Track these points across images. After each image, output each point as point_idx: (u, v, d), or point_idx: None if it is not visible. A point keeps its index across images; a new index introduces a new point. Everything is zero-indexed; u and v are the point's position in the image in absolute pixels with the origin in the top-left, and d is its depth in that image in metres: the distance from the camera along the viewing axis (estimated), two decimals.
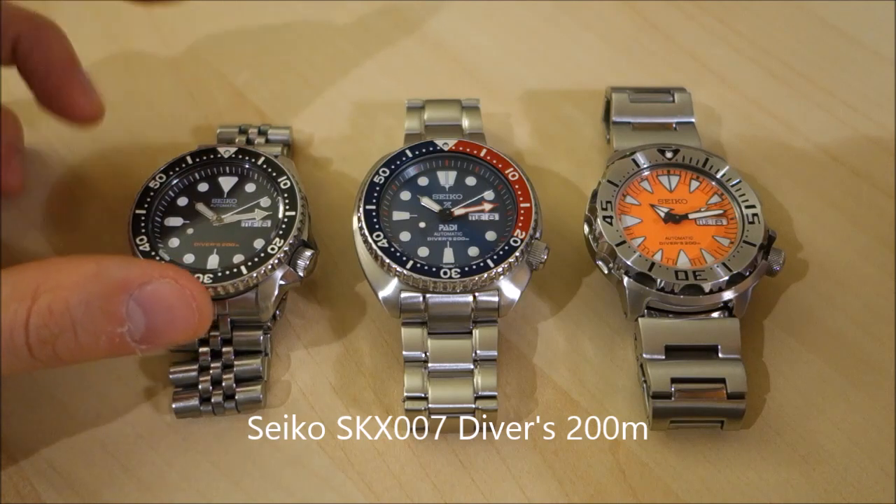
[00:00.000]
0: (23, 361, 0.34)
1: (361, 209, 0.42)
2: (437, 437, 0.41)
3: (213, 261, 0.42)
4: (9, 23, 0.43)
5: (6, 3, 0.43)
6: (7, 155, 0.46)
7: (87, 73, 0.46)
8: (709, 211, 0.44)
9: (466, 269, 0.40)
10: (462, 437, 0.41)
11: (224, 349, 0.42)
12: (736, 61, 0.54)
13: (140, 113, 0.51)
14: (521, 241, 0.41)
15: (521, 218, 0.42)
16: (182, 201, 0.44)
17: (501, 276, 0.41)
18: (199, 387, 0.41)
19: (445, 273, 0.40)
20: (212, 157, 0.44)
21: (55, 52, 0.45)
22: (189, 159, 0.44)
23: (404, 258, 0.41)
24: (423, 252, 0.42)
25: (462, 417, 0.40)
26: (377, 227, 0.42)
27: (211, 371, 0.41)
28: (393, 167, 0.44)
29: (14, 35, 0.44)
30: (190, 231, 0.43)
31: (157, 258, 0.41)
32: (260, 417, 0.42)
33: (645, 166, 0.45)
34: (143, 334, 0.34)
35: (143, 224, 0.42)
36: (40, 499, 0.40)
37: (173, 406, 0.41)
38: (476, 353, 0.41)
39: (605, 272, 0.43)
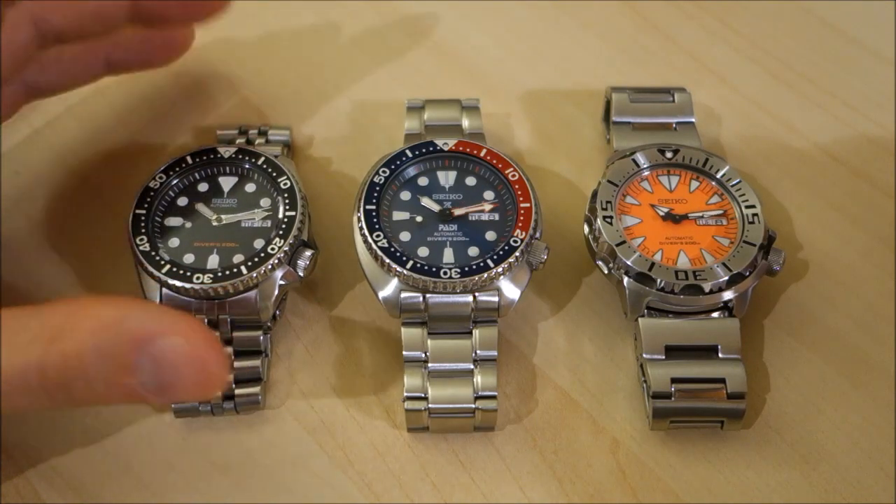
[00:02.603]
0: (41, 400, 0.34)
1: (361, 209, 0.42)
2: (436, 437, 0.41)
3: (213, 261, 0.42)
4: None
5: None
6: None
7: None
8: (709, 211, 0.44)
9: (466, 269, 0.40)
10: (462, 437, 0.41)
11: (224, 349, 0.42)
12: (736, 61, 0.54)
13: (140, 113, 0.51)
14: (521, 241, 0.41)
15: (521, 218, 0.42)
16: (182, 201, 0.44)
17: (501, 276, 0.41)
18: None
19: (445, 273, 0.40)
20: (212, 157, 0.44)
21: None
22: (189, 159, 0.44)
23: (404, 258, 0.41)
24: (423, 252, 0.42)
25: (462, 417, 0.40)
26: (377, 227, 0.42)
27: None
28: (393, 167, 0.44)
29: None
30: (190, 231, 0.43)
31: (158, 258, 0.41)
32: (260, 417, 0.42)
33: (645, 166, 0.45)
34: (155, 388, 0.34)
35: (143, 224, 0.42)
36: (40, 499, 0.40)
37: (172, 405, 0.41)
38: (476, 353, 0.41)
39: (605, 272, 0.43)
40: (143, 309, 0.35)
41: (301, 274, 0.42)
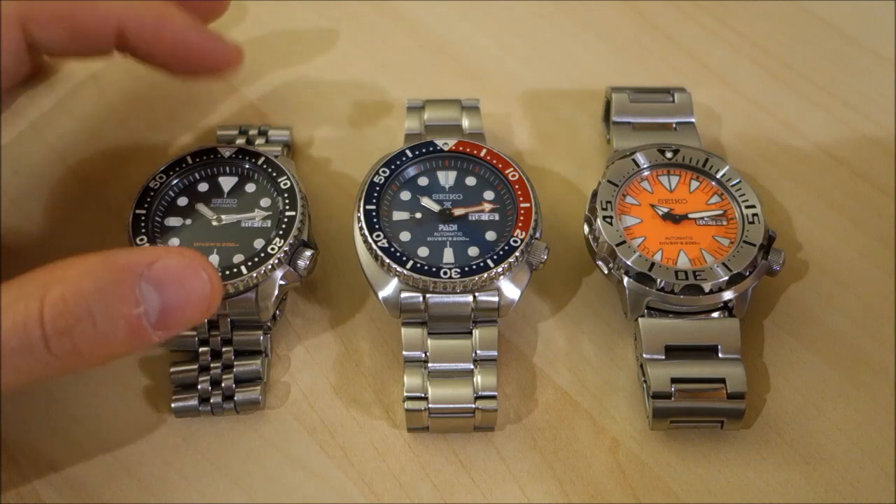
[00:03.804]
0: (40, 361, 0.33)
1: (361, 209, 0.42)
2: (436, 437, 0.41)
3: (213, 261, 0.42)
4: (107, 14, 0.41)
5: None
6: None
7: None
8: (709, 211, 0.44)
9: (466, 269, 0.40)
10: (462, 437, 0.41)
11: (224, 349, 0.42)
12: (736, 61, 0.54)
13: (140, 113, 0.51)
14: (521, 241, 0.41)
15: (521, 218, 0.42)
16: (182, 201, 0.44)
17: (501, 276, 0.41)
18: (199, 387, 0.41)
19: (445, 273, 0.40)
20: (212, 157, 0.45)
21: (178, 23, 0.42)
22: (189, 159, 0.44)
23: (404, 258, 0.41)
24: (423, 252, 0.42)
25: (462, 417, 0.40)
26: (377, 227, 0.42)
27: (211, 371, 0.41)
28: (393, 167, 0.44)
29: (114, 27, 0.41)
30: (190, 231, 0.43)
31: None
32: (260, 417, 0.42)
33: (645, 166, 0.45)
34: (158, 315, 0.34)
35: (143, 224, 0.42)
36: (40, 499, 0.40)
37: (172, 405, 0.41)
38: (476, 353, 0.41)
39: (605, 272, 0.43)
40: (125, 248, 0.35)
41: (301, 274, 0.42)
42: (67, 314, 0.32)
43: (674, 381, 0.40)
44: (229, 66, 0.44)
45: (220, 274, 0.37)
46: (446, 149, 0.44)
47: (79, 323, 0.33)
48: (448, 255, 0.42)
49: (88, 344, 0.33)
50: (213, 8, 0.46)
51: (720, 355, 0.41)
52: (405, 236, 0.42)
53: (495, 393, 0.40)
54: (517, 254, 0.41)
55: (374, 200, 0.43)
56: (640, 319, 0.41)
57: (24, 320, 0.32)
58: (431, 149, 0.45)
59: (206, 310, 0.36)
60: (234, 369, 0.41)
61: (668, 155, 0.45)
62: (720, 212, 0.44)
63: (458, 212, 0.43)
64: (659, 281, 0.41)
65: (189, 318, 0.35)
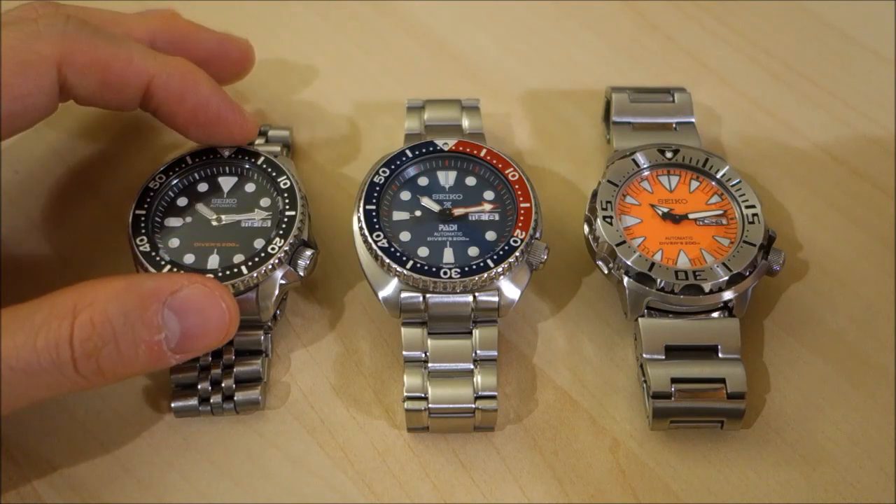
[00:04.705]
0: (68, 379, 0.35)
1: (361, 209, 0.42)
2: (436, 437, 0.41)
3: (213, 261, 0.42)
4: (140, 69, 0.42)
5: (138, 49, 0.42)
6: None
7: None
8: (709, 211, 0.44)
9: (466, 269, 0.40)
10: (462, 437, 0.41)
11: (224, 349, 0.42)
12: (736, 61, 0.54)
13: (140, 113, 0.51)
14: (521, 241, 0.41)
15: (521, 218, 0.42)
16: (182, 201, 0.44)
17: (501, 276, 0.41)
18: (199, 387, 0.41)
19: (445, 273, 0.40)
20: (211, 157, 0.44)
21: (203, 89, 0.43)
22: (189, 159, 0.44)
23: (404, 258, 0.41)
24: (423, 252, 0.42)
25: (462, 417, 0.40)
26: (377, 227, 0.42)
27: (211, 371, 0.41)
28: (393, 167, 0.44)
29: (145, 84, 0.42)
30: (190, 231, 0.43)
31: (158, 258, 0.41)
32: (260, 417, 0.42)
33: (645, 166, 0.45)
34: (178, 341, 0.36)
35: (143, 224, 0.42)
36: (40, 499, 0.40)
37: (172, 405, 0.41)
38: (476, 353, 0.41)
39: (605, 272, 0.43)
40: (146, 274, 0.38)
41: (301, 274, 0.42)
42: (95, 338, 0.35)
43: (674, 381, 0.40)
44: (244, 139, 0.45)
45: (232, 296, 0.39)
46: (446, 149, 0.44)
47: (105, 346, 0.35)
48: (448, 255, 0.42)
49: (111, 365, 0.35)
50: (237, 70, 0.48)
51: (720, 355, 0.41)
52: (405, 236, 0.42)
53: (495, 393, 0.40)
54: (517, 254, 0.41)
55: (374, 200, 0.43)
56: (640, 319, 0.41)
57: (56, 341, 0.34)
58: (431, 149, 0.45)
59: (224, 337, 0.38)
60: (235, 369, 0.41)
61: (668, 155, 0.45)
62: (720, 212, 0.44)
63: (458, 212, 0.43)
64: (659, 281, 0.41)
65: (206, 345, 0.38)
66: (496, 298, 0.41)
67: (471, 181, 0.44)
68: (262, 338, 0.42)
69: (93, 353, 0.34)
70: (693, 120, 0.47)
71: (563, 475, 0.41)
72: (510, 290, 0.41)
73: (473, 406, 0.40)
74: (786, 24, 0.55)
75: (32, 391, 0.35)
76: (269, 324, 0.42)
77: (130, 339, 0.35)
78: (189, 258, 0.42)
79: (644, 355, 0.41)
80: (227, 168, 0.45)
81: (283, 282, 0.41)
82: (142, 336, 0.35)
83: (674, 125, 0.47)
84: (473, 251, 0.42)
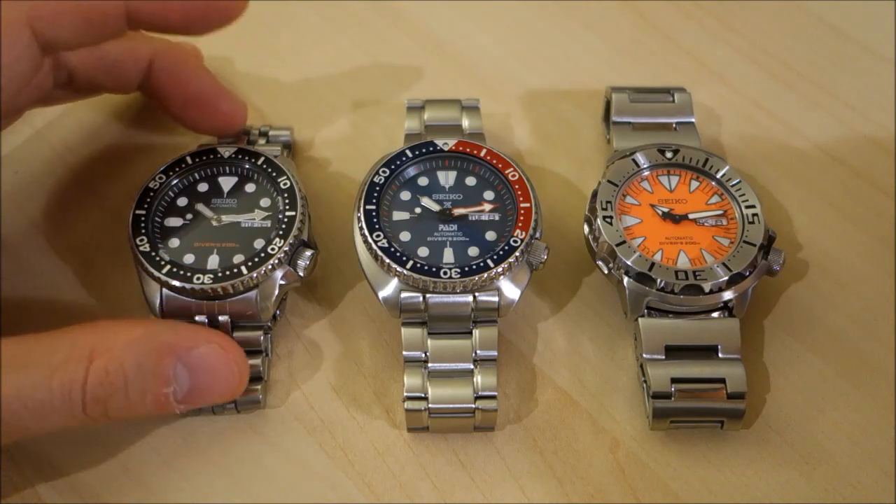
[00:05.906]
0: (76, 418, 0.36)
1: (361, 209, 0.42)
2: (436, 437, 0.41)
3: (213, 261, 0.42)
4: (140, 51, 0.43)
5: (139, 35, 0.43)
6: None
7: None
8: (709, 211, 0.44)
9: (466, 269, 0.40)
10: (462, 437, 0.41)
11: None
12: (736, 61, 0.54)
13: (140, 113, 0.51)
14: (521, 241, 0.41)
15: (521, 218, 0.42)
16: (182, 201, 0.44)
17: (501, 276, 0.41)
18: None
19: (445, 273, 0.40)
20: (212, 157, 0.44)
21: (203, 77, 0.44)
22: (189, 159, 0.44)
23: (404, 258, 0.41)
24: (423, 252, 0.42)
25: (462, 417, 0.40)
26: (377, 227, 0.42)
27: None
28: (393, 167, 0.44)
29: (146, 64, 0.43)
30: (190, 231, 0.43)
31: (158, 258, 0.41)
32: (260, 417, 0.42)
33: (645, 166, 0.45)
34: (185, 394, 0.37)
35: (143, 224, 0.42)
36: (41, 499, 0.40)
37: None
38: (476, 353, 0.41)
39: (605, 272, 0.43)
40: (167, 324, 0.38)
41: (301, 274, 0.42)
42: (107, 385, 0.35)
43: (674, 381, 0.40)
44: (235, 124, 0.46)
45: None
46: (446, 149, 0.44)
47: (115, 394, 0.35)
48: (448, 255, 0.42)
49: (117, 410, 0.36)
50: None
51: (720, 355, 0.41)
52: (405, 236, 0.42)
53: (495, 393, 0.40)
54: (517, 254, 0.41)
55: (374, 200, 0.43)
56: (640, 319, 0.41)
57: (70, 384, 0.35)
58: (431, 149, 0.45)
59: (230, 397, 0.39)
60: None
61: (668, 155, 0.45)
62: (720, 212, 0.44)
63: (458, 212, 0.43)
64: (659, 281, 0.41)
65: (212, 400, 0.39)
66: (496, 298, 0.41)
67: (471, 181, 0.44)
68: (262, 338, 0.42)
69: (102, 399, 0.35)
70: (693, 120, 0.47)
71: (563, 475, 0.41)
72: (510, 290, 0.41)
73: (473, 406, 0.40)
74: (786, 24, 0.55)
75: (39, 426, 0.35)
76: (269, 324, 0.42)
77: (140, 389, 0.36)
78: (189, 258, 0.42)
79: (644, 355, 0.41)
80: (227, 168, 0.45)
81: (283, 282, 0.41)
82: (151, 387, 0.36)
83: (674, 125, 0.47)
84: (473, 251, 0.42)
